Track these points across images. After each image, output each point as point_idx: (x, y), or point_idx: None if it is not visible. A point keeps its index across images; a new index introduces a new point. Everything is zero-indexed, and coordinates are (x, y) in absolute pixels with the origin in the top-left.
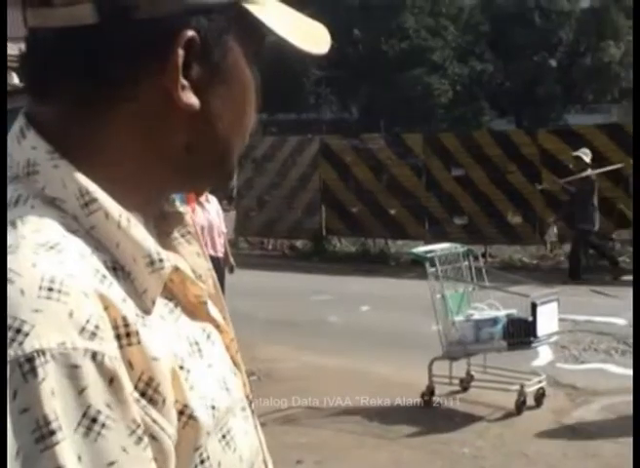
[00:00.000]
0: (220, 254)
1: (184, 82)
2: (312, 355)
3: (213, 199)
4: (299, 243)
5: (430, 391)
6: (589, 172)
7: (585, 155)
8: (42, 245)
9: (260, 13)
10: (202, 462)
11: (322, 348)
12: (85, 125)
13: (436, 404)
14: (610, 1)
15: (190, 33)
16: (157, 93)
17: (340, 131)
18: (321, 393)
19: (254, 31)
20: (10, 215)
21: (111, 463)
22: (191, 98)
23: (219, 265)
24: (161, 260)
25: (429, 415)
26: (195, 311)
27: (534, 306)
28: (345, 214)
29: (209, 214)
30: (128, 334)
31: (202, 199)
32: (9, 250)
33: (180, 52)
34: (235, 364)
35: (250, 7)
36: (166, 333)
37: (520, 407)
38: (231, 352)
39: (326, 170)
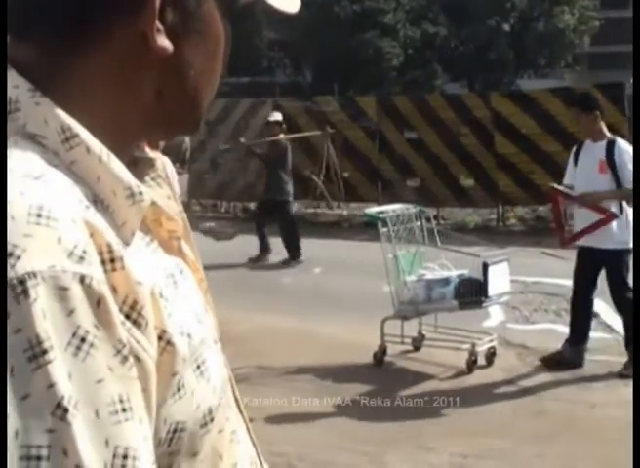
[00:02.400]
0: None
1: (159, 26)
2: (265, 316)
3: (167, 160)
4: (251, 205)
5: (382, 350)
6: (281, 136)
7: (276, 118)
8: (27, 175)
9: None
10: (178, 390)
11: (275, 309)
12: (62, 66)
13: (388, 363)
14: None
15: None
16: (132, 35)
17: (293, 94)
18: (273, 353)
19: None
20: None
21: (99, 381)
22: (165, 42)
23: None
24: (141, 193)
25: (381, 374)
26: (169, 247)
27: (485, 266)
28: (298, 176)
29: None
30: (112, 260)
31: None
32: None
33: None
34: (207, 303)
35: None
36: (145, 263)
37: (471, 366)
38: (202, 290)
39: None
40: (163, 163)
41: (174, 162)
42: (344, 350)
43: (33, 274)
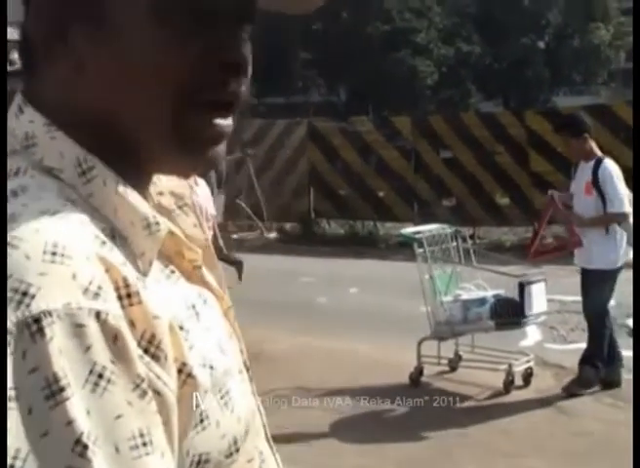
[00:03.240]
0: (209, 237)
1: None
2: (301, 336)
3: (201, 182)
4: (287, 226)
5: (419, 371)
6: None
7: None
8: (43, 212)
9: None
10: (201, 421)
11: (311, 330)
12: (64, 96)
13: (425, 383)
14: None
15: None
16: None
17: (327, 113)
18: (310, 373)
19: None
20: (10, 185)
21: (118, 416)
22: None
23: None
24: (157, 223)
25: (418, 395)
26: (191, 276)
27: (521, 286)
28: (334, 196)
29: (197, 197)
30: (129, 295)
31: (190, 182)
32: (12, 218)
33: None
34: (234, 331)
35: None
36: (164, 296)
37: (508, 386)
38: (229, 319)
39: (314, 153)
40: (190, 191)
41: (209, 183)
42: (381, 370)
43: (49, 312)
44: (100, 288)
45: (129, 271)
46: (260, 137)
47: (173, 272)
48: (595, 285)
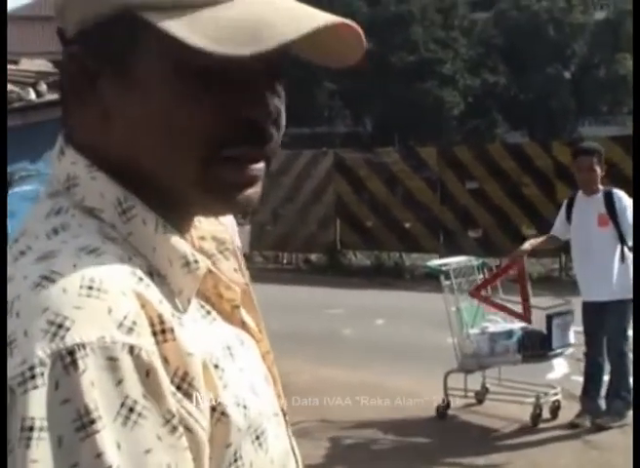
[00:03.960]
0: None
1: (99, 104)
2: (327, 368)
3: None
4: (313, 256)
5: (446, 404)
6: None
7: None
8: (82, 249)
9: (166, 20)
10: (235, 460)
11: (337, 361)
12: (97, 140)
13: (451, 416)
14: (625, 13)
15: (81, 51)
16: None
17: (353, 144)
18: (335, 407)
19: (173, 43)
20: (52, 223)
21: (148, 450)
22: (114, 121)
23: None
24: (196, 261)
25: (444, 428)
26: (229, 317)
27: (549, 318)
28: (360, 227)
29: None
30: (163, 331)
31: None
32: (51, 254)
33: (81, 70)
34: (271, 375)
35: (148, 15)
36: (200, 335)
37: (535, 419)
38: (267, 363)
39: (340, 183)
40: (231, 236)
41: (235, 214)
42: (407, 403)
43: (82, 345)
44: (134, 323)
45: (165, 308)
46: (286, 168)
47: (209, 312)
48: (618, 315)
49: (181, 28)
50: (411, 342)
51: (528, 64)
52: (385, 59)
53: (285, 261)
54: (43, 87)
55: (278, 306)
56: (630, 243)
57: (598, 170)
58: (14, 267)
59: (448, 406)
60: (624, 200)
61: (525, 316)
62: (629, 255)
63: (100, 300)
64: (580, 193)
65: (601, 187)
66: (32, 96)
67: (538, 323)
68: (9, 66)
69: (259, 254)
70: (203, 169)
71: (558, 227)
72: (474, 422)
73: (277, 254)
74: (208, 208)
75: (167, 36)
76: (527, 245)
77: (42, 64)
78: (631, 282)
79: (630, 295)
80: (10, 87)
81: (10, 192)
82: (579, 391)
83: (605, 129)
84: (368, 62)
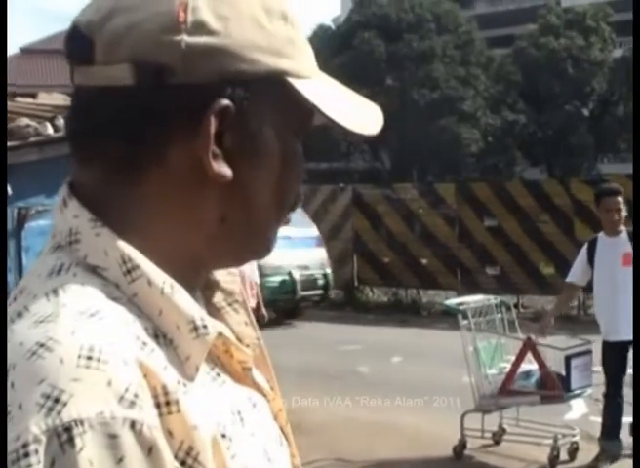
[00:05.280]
0: (252, 305)
1: (216, 150)
2: (343, 406)
3: None
4: (330, 292)
5: (462, 444)
6: None
7: None
8: (82, 312)
9: (304, 87)
10: None
11: (352, 399)
12: (120, 191)
13: (468, 457)
14: None
15: (224, 102)
16: (189, 159)
17: (371, 180)
18: (351, 445)
19: (297, 105)
20: (52, 283)
21: None
22: (223, 168)
23: None
24: (205, 326)
25: None
26: (240, 378)
27: (567, 359)
28: (377, 263)
29: None
30: (167, 403)
31: None
32: (49, 318)
33: (213, 120)
34: (284, 434)
35: (293, 81)
36: (207, 402)
37: (553, 461)
38: (280, 422)
39: (358, 219)
40: (241, 288)
41: None
42: (423, 442)
43: (80, 422)
44: (136, 395)
45: (170, 376)
46: (304, 203)
47: (219, 375)
48: (625, 356)
49: (323, 101)
50: (428, 380)
51: (547, 101)
52: (405, 96)
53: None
54: (60, 121)
55: (294, 342)
56: None
57: (624, 210)
58: (10, 330)
59: (464, 446)
60: None
61: (556, 394)
62: None
63: (100, 372)
64: (601, 234)
65: (623, 227)
66: (50, 130)
67: (556, 363)
68: (27, 100)
69: None
70: (274, 232)
71: (578, 272)
72: (491, 463)
73: None
74: (236, 259)
75: (299, 103)
76: (550, 317)
77: (60, 98)
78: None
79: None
80: (27, 121)
81: (26, 227)
82: (597, 432)
83: (624, 166)
84: (388, 98)
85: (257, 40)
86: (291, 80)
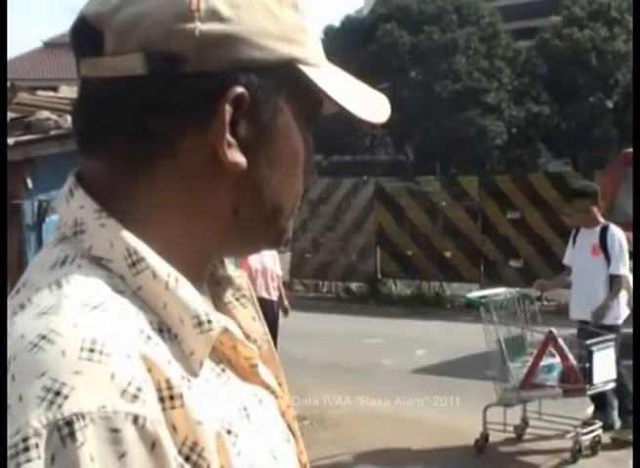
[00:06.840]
0: (274, 297)
1: (231, 139)
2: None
3: None
4: (353, 285)
5: (485, 438)
6: None
7: None
8: (85, 305)
9: (314, 75)
10: None
11: (375, 393)
12: (131, 182)
13: (490, 450)
14: None
15: (239, 90)
16: (202, 149)
17: (395, 173)
18: (373, 439)
19: (308, 93)
20: (56, 275)
21: None
22: (237, 157)
23: (272, 308)
24: (209, 321)
25: (483, 463)
26: (246, 375)
27: (590, 353)
28: (400, 256)
29: (263, 256)
30: (171, 397)
31: None
32: (51, 310)
33: (228, 108)
34: (291, 431)
35: (304, 68)
36: (212, 398)
37: (575, 454)
38: (287, 419)
39: (381, 212)
40: (248, 282)
41: None
42: (445, 436)
43: (81, 415)
44: (139, 389)
45: (174, 371)
46: (326, 196)
47: (224, 370)
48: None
49: (333, 89)
50: (450, 374)
51: (570, 93)
52: (428, 88)
53: (325, 290)
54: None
55: (317, 336)
56: (611, 271)
57: (594, 210)
58: (11, 322)
59: (487, 439)
60: (617, 235)
61: (579, 388)
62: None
63: (102, 365)
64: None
65: (602, 221)
66: (70, 123)
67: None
68: (48, 93)
69: (298, 282)
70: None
71: (568, 255)
72: (513, 457)
73: (317, 283)
74: (248, 253)
75: (310, 91)
76: (548, 285)
77: (72, 91)
78: (618, 308)
79: (617, 322)
80: (47, 114)
81: (47, 220)
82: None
83: None
84: (411, 91)
85: (268, 27)
86: (302, 67)
